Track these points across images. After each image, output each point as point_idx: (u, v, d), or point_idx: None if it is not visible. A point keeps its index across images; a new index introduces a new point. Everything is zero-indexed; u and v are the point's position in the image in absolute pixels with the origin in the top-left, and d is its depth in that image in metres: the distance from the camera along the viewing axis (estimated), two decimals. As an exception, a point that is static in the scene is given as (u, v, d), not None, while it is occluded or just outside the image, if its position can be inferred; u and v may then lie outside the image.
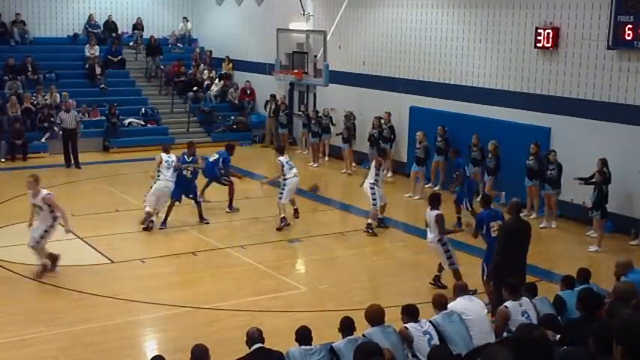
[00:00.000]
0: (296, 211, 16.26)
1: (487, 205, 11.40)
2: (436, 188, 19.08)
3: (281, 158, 15.99)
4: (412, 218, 16.60)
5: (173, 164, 15.37)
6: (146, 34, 28.45)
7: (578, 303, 7.79)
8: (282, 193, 15.65)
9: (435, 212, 11.76)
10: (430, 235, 11.93)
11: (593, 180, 14.63)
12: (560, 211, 16.49)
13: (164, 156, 15.52)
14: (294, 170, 15.96)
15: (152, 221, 15.21)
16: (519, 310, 8.27)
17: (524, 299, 8.48)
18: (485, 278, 10.94)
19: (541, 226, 15.89)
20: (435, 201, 11.96)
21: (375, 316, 7.76)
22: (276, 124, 24.45)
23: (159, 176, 15.30)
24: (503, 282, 8.92)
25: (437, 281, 12.22)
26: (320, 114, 22.45)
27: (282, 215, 15.52)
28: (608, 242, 14.76)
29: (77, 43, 27.14)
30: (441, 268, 12.16)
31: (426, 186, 19.21)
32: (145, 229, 15.11)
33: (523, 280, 9.99)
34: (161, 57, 27.49)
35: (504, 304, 8.46)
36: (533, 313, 8.30)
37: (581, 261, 12.92)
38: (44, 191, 12.49)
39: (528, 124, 17.33)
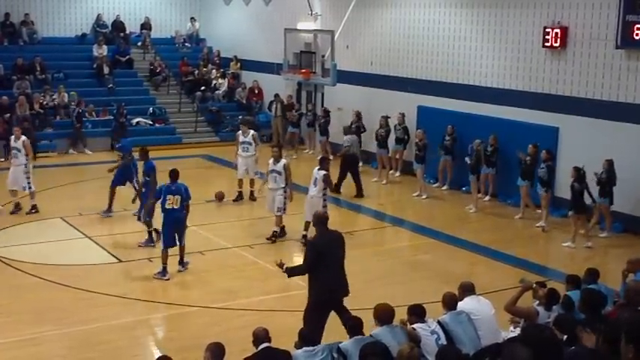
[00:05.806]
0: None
1: (173, 180, 12.49)
2: (444, 188, 19.06)
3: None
4: (420, 218, 16.59)
5: None
6: (154, 34, 28.55)
7: (581, 304, 7.75)
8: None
9: (323, 172, 14.03)
10: (314, 190, 14.05)
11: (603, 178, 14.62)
12: (566, 210, 16.46)
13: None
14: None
15: None
16: (546, 320, 8.06)
17: (555, 310, 8.30)
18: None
19: (537, 225, 15.85)
20: (323, 162, 14.31)
21: (384, 315, 7.72)
22: (282, 123, 24.43)
23: None
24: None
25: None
26: (330, 113, 22.44)
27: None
28: (618, 242, 14.71)
29: (85, 43, 27.17)
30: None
31: (434, 185, 19.18)
32: None
33: (346, 288, 9.51)
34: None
35: (535, 306, 8.37)
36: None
37: (588, 261, 12.91)
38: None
39: (536, 123, 17.28)
